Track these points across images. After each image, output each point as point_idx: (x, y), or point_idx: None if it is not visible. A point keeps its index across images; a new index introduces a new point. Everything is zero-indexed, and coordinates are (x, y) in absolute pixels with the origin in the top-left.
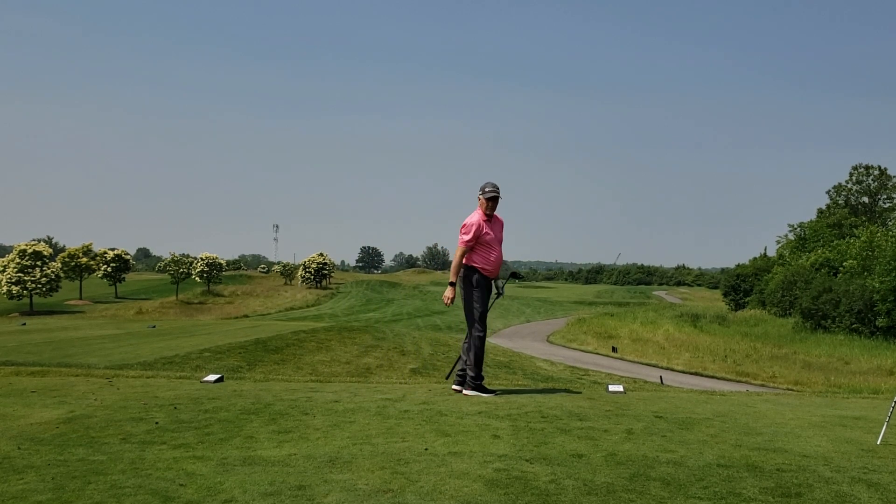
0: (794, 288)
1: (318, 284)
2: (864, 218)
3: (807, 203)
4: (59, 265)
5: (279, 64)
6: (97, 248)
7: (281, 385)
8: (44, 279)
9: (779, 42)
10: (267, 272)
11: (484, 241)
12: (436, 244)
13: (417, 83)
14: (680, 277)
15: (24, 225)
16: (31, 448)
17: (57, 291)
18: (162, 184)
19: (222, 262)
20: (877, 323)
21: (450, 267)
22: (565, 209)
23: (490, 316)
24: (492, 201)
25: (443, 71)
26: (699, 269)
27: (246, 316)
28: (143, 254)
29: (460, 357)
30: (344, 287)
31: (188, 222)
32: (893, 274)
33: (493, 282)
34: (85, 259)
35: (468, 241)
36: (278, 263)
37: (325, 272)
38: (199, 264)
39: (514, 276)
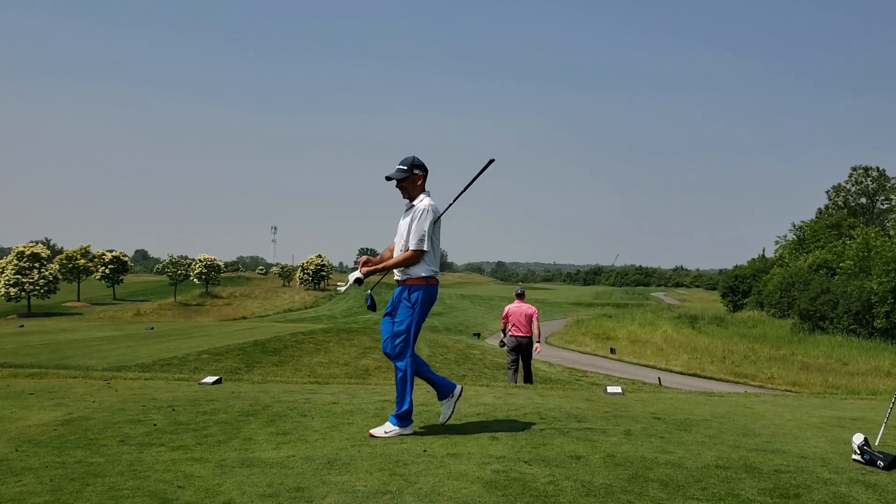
0: (792, 289)
1: (317, 286)
2: (862, 219)
3: (807, 203)
4: (57, 267)
5: (278, 65)
6: (95, 250)
7: (279, 387)
8: (42, 281)
9: (779, 42)
10: (265, 274)
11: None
12: None
13: (416, 83)
14: (678, 279)
15: (22, 226)
16: (28, 450)
17: (55, 293)
18: (160, 185)
19: (220, 263)
20: (874, 324)
21: (447, 269)
22: (564, 210)
23: (488, 317)
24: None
25: (442, 71)
26: (697, 270)
27: (244, 317)
28: (142, 255)
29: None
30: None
31: (186, 224)
32: (892, 275)
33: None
34: (83, 261)
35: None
36: (276, 265)
37: (324, 274)
38: (197, 266)
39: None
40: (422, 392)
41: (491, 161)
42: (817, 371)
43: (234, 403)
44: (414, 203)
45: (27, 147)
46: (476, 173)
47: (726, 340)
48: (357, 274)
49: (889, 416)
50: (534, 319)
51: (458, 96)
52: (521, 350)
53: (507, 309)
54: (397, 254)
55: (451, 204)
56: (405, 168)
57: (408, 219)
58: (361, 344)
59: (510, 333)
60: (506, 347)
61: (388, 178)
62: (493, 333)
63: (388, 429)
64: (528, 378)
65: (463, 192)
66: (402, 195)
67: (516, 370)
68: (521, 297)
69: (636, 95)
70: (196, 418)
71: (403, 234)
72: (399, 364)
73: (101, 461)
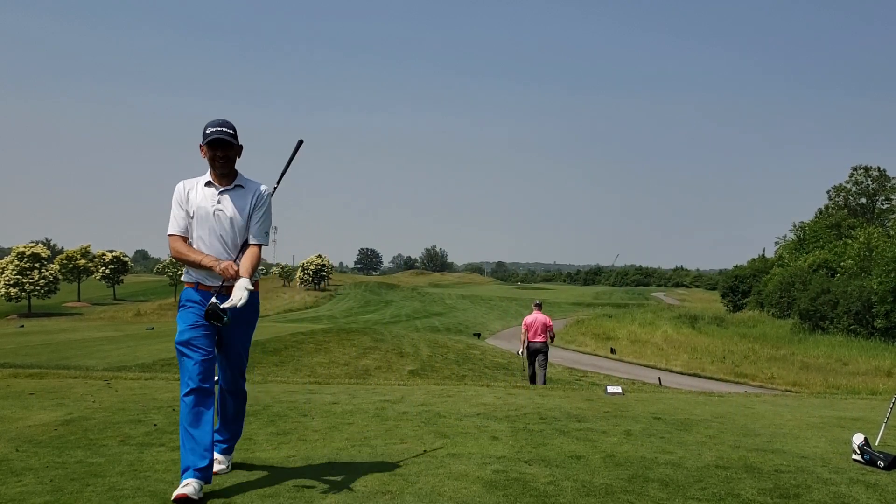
0: (792, 289)
1: (317, 286)
2: (862, 219)
3: (807, 203)
4: (58, 267)
5: (277, 64)
6: (95, 250)
7: (279, 387)
8: (42, 281)
9: (779, 42)
10: (265, 274)
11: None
12: (434, 246)
13: (417, 83)
14: (678, 279)
15: (22, 226)
16: (29, 450)
17: (55, 293)
18: (160, 185)
19: None
20: (875, 324)
21: (448, 269)
22: (564, 210)
23: (488, 317)
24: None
25: (443, 71)
26: (697, 270)
27: None
28: (142, 256)
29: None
30: (342, 289)
31: None
32: (892, 275)
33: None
34: (83, 261)
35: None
36: (277, 265)
37: (324, 274)
38: None
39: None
40: (422, 392)
41: (300, 142)
42: (817, 371)
43: None
44: (241, 184)
45: (27, 147)
46: (288, 158)
47: (726, 340)
48: (248, 283)
49: (889, 417)
50: (549, 328)
51: (458, 96)
52: (538, 354)
53: (525, 319)
54: (216, 245)
55: (270, 194)
56: (233, 134)
57: (242, 203)
58: (361, 344)
59: (528, 339)
60: (524, 354)
61: (219, 142)
62: (492, 334)
63: (195, 488)
64: (543, 380)
65: (279, 180)
66: (216, 167)
67: (534, 373)
68: (538, 307)
69: (636, 95)
70: None
71: (237, 222)
72: (243, 385)
73: (101, 461)
